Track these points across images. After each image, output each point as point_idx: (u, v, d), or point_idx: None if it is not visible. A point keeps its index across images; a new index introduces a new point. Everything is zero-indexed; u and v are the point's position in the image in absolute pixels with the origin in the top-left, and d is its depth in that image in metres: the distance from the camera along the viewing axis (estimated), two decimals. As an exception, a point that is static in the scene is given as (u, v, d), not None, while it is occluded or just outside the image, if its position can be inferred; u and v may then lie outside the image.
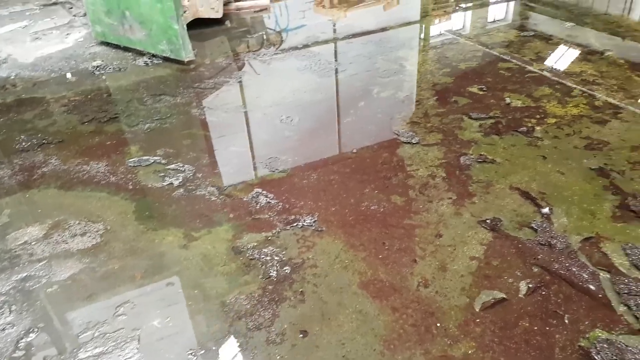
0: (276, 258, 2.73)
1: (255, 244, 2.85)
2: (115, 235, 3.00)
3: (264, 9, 7.18)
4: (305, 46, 5.75)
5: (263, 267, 2.68)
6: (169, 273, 2.70)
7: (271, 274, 2.63)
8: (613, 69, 4.60)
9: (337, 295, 2.48)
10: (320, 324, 2.33)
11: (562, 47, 5.16)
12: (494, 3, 6.88)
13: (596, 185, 3.09)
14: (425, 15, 6.66)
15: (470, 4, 6.90)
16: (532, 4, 6.66)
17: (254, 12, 7.15)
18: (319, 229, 2.92)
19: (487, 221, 2.88)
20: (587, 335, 2.15)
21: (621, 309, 2.27)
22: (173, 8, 5.00)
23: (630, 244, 2.61)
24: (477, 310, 2.33)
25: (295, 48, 5.74)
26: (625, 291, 2.33)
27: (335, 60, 5.28)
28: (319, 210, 3.09)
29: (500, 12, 6.51)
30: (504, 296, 2.38)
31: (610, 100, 4.09)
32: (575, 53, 4.98)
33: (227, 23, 6.68)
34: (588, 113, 3.93)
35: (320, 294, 2.49)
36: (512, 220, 2.87)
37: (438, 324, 2.29)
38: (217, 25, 6.51)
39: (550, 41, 5.42)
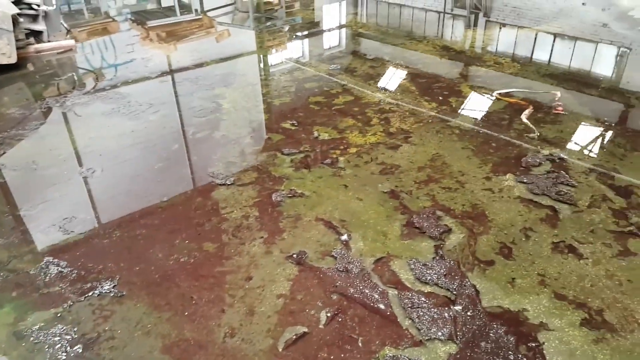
0: (66, 337, 2.55)
1: (42, 324, 2.62)
2: None
3: (69, 49, 6.80)
4: (115, 87, 5.57)
5: (50, 350, 2.47)
6: None
7: (59, 357, 2.44)
8: (406, 96, 5.30)
9: (136, 365, 2.39)
10: (115, 401, 2.22)
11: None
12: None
13: (388, 207, 3.49)
14: (260, 46, 6.95)
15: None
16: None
17: (58, 53, 6.73)
18: (119, 294, 2.80)
19: (294, 255, 3.05)
20: (377, 355, 2.39)
21: (406, 323, 2.57)
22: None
23: (414, 259, 2.99)
24: (280, 350, 2.44)
25: (104, 89, 5.52)
26: (409, 305, 2.66)
27: (151, 104, 5.20)
28: (121, 272, 2.97)
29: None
30: (306, 330, 2.53)
31: (402, 126, 4.69)
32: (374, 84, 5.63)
33: (29, 67, 6.17)
34: (384, 140, 4.45)
35: (117, 368, 2.38)
36: (316, 251, 3.09)
37: (242, 374, 2.34)
38: (15, 70, 5.98)
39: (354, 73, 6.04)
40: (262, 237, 3.24)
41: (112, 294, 2.79)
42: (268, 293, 2.78)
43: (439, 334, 2.49)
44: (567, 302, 2.69)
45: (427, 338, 2.46)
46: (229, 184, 3.79)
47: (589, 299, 2.70)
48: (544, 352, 2.39)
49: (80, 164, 4.14)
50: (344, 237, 3.18)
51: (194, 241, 3.21)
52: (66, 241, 3.24)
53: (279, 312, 2.66)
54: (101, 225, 3.39)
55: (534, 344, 2.43)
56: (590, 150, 4.20)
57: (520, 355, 2.37)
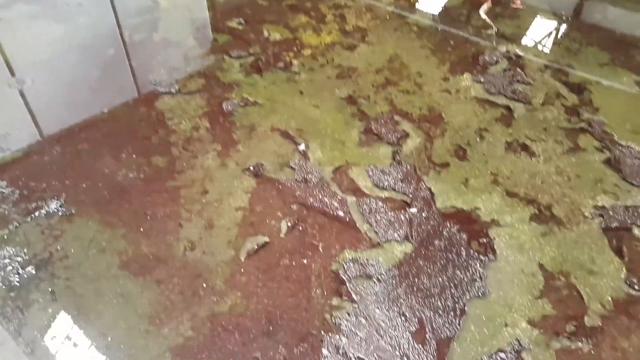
0: (17, 259, 2.53)
1: (-12, 248, 2.58)
2: None
3: None
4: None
5: (1, 273, 2.46)
6: None
7: (12, 279, 2.44)
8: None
9: (94, 283, 2.43)
10: (77, 320, 2.28)
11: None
12: None
13: (346, 114, 3.49)
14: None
15: None
16: None
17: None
18: (68, 213, 2.76)
19: (251, 167, 3.06)
20: (337, 259, 2.52)
21: (365, 227, 2.70)
22: None
23: (372, 166, 3.06)
24: (243, 260, 2.53)
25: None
26: (368, 210, 2.77)
27: (79, 4, 4.75)
28: (67, 190, 2.91)
29: None
30: (267, 240, 2.62)
31: (359, 23, 4.55)
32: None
33: None
34: (340, 40, 4.32)
35: (75, 288, 2.41)
36: (273, 162, 3.11)
37: (205, 285, 2.43)
38: None
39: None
40: (215, 149, 3.20)
41: (60, 213, 2.75)
42: (226, 206, 2.81)
43: (396, 235, 2.64)
44: (518, 199, 2.87)
45: (384, 240, 2.60)
46: (174, 93, 3.65)
47: (539, 195, 2.90)
48: (495, 247, 2.59)
49: (12, 74, 3.84)
50: (302, 146, 3.19)
51: (142, 155, 3.14)
52: (3, 160, 3.09)
53: (238, 224, 2.71)
54: (39, 141, 3.24)
55: (485, 240, 2.63)
56: (546, 46, 4.26)
57: (472, 251, 2.56)
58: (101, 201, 2.84)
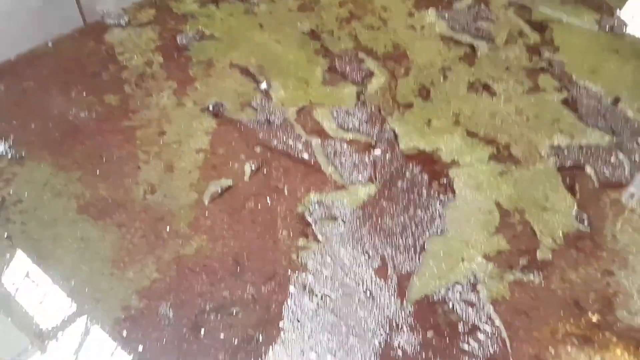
0: (-35, 204, 2.46)
1: None
2: None
3: None
4: None
5: (-51, 219, 2.40)
6: None
7: (-38, 225, 2.39)
8: None
9: (52, 228, 2.42)
10: (39, 264, 2.28)
11: None
12: None
13: (309, 50, 3.45)
14: None
15: None
16: None
17: None
18: (18, 155, 2.68)
19: (210, 107, 3.02)
20: (302, 201, 2.59)
21: (330, 170, 2.76)
22: None
23: (337, 107, 3.08)
24: (207, 203, 2.56)
25: None
26: (332, 153, 2.83)
27: None
28: (14, 131, 2.80)
29: None
30: (230, 183, 2.64)
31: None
32: None
33: None
34: (300, -31, 4.16)
35: (32, 232, 2.39)
36: (234, 102, 3.07)
37: (168, 228, 2.46)
38: None
39: None
40: (170, 87, 3.13)
41: (9, 156, 2.67)
42: (186, 148, 2.80)
43: (360, 177, 2.72)
44: (478, 139, 2.99)
45: (349, 182, 2.68)
46: (123, 25, 3.49)
47: (498, 135, 3.02)
48: (454, 186, 2.72)
49: None
50: (263, 85, 3.15)
51: (93, 93, 3.04)
52: (-64, 99, 2.92)
53: (200, 167, 2.72)
54: (-24, 78, 3.06)
55: (445, 180, 2.75)
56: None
57: (432, 191, 2.68)
58: (53, 143, 2.76)
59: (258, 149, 2.81)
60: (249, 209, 2.55)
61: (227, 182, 2.63)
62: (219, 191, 2.59)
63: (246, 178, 2.66)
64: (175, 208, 2.52)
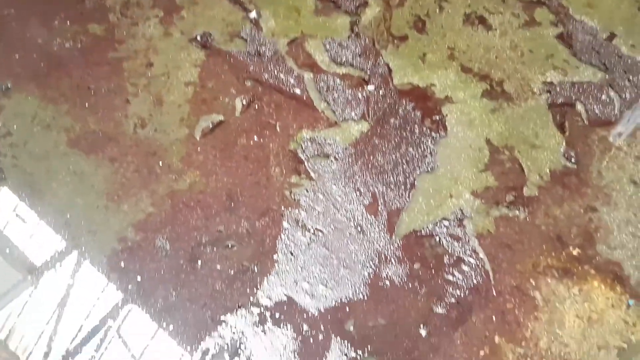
0: (-47, 137, 2.47)
1: None
2: None
3: None
4: None
5: (-62, 153, 2.41)
6: None
7: (-48, 159, 2.41)
8: None
9: (44, 162, 2.45)
10: (32, 198, 2.33)
11: None
12: None
13: (300, -23, 3.34)
14: None
15: None
16: None
17: None
18: (4, 87, 2.65)
19: (198, 37, 2.97)
20: (295, 138, 2.63)
21: (322, 106, 2.77)
22: None
23: (329, 39, 3.05)
24: (198, 138, 2.59)
25: None
26: (325, 88, 2.83)
27: None
28: (-4, 62, 2.75)
29: None
30: (222, 118, 2.66)
31: None
32: None
33: None
34: None
35: (23, 166, 2.42)
36: (222, 32, 3.02)
37: (161, 163, 2.50)
38: None
39: None
40: (157, 15, 3.05)
41: (-7, 89, 2.64)
42: (174, 81, 2.78)
43: (353, 114, 2.74)
44: (472, 74, 3.00)
45: (341, 119, 2.71)
46: (105, -54, 3.32)
47: (492, 71, 3.03)
48: (446, 123, 2.77)
49: None
50: (253, 14, 3.08)
51: (77, 22, 2.96)
52: None
53: (189, 100, 2.71)
54: (-49, 4, 2.95)
55: (438, 117, 2.79)
56: None
57: (424, 128, 2.73)
58: (39, 74, 2.72)
59: (249, 83, 2.80)
60: (241, 145, 2.58)
61: (218, 117, 2.65)
62: (210, 126, 2.60)
63: (237, 113, 2.67)
64: (167, 143, 2.55)
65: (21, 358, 2.21)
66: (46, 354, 2.24)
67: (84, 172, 2.42)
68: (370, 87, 2.81)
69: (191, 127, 2.60)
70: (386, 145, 2.64)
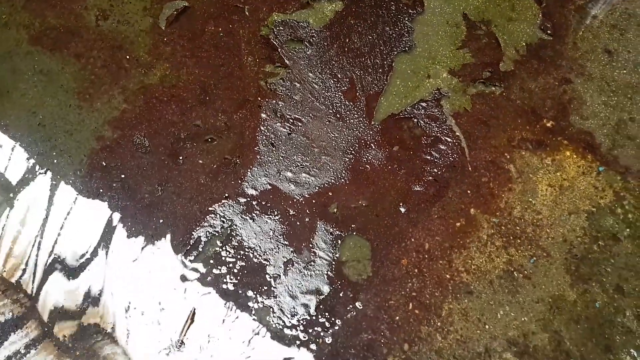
0: None
1: None
2: None
3: None
4: None
5: None
6: None
7: None
8: None
9: (8, 62, 2.48)
10: (1, 100, 2.40)
11: None
12: None
13: None
14: None
15: None
16: None
17: None
18: (-57, -18, 2.58)
19: None
20: (266, 22, 2.67)
21: None
22: None
23: None
24: (164, 28, 2.62)
25: None
26: (294, -36, 2.81)
27: None
28: None
29: None
30: (186, 4, 2.67)
31: None
32: None
33: None
34: None
35: (-15, 69, 2.46)
36: None
37: (128, 57, 2.56)
38: None
39: None
40: None
41: None
42: (132, -37, 2.72)
43: None
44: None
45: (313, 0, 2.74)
46: None
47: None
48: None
49: None
50: None
51: None
52: None
53: (151, -15, 2.68)
54: None
55: (414, -8, 2.82)
56: None
57: (401, 5, 2.78)
58: (-21, -36, 2.64)
59: (213, -36, 2.76)
60: (209, 32, 2.62)
61: (182, 3, 2.65)
62: (174, 13, 2.62)
63: (204, -2, 2.67)
64: (132, 35, 2.58)
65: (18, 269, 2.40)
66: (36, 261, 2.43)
67: (50, 71, 2.47)
68: None
69: (155, 16, 2.61)
70: (362, 26, 2.70)
